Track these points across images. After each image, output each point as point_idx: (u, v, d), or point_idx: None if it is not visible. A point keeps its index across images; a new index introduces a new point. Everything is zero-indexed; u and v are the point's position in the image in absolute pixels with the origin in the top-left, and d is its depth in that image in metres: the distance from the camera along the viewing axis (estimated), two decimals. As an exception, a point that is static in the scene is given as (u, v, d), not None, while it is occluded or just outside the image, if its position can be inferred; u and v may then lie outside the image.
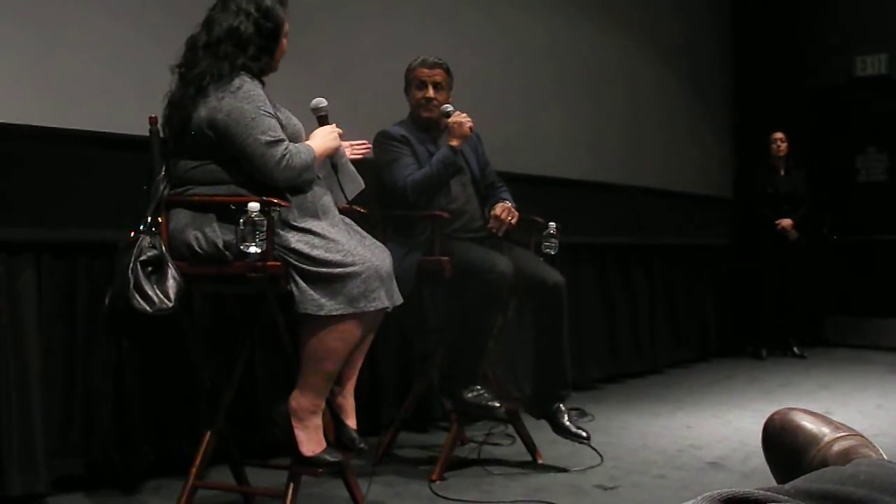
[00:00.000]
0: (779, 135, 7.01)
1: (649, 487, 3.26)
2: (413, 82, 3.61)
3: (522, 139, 5.19)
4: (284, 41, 2.79)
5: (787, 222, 6.88)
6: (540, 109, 5.47)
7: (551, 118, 5.57)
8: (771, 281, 6.98)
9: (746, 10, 7.72)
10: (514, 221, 3.57)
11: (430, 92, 3.58)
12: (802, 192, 7.02)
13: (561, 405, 3.56)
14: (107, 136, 3.26)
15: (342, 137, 2.86)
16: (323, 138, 2.79)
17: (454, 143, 3.46)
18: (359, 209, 3.01)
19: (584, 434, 3.54)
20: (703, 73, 7.36)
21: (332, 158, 2.82)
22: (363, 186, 2.98)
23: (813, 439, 1.34)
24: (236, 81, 2.62)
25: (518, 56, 5.32)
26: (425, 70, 3.58)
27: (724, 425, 4.36)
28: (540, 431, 3.67)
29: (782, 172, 7.03)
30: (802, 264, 7.05)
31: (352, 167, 2.92)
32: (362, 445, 2.75)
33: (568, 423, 3.55)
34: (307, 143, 2.74)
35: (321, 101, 2.87)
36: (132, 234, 2.54)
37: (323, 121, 2.85)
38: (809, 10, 7.69)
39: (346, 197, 2.87)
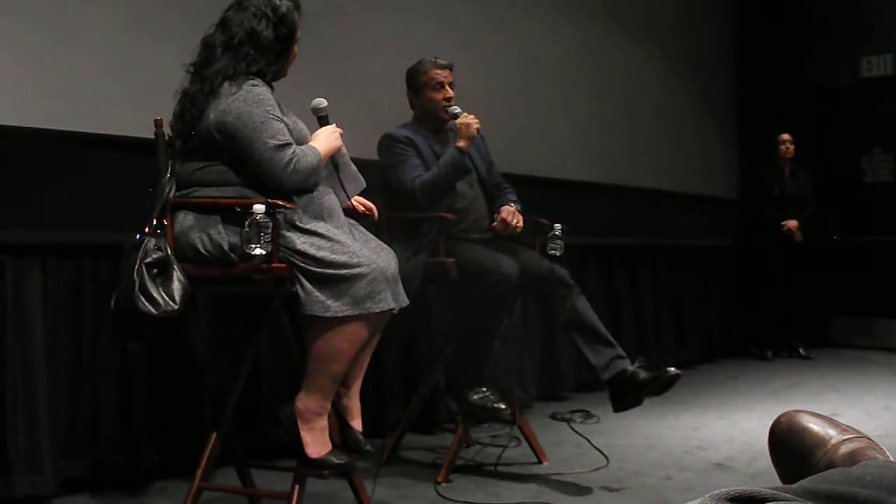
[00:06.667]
0: (786, 136, 7.00)
1: (655, 489, 3.26)
2: (428, 84, 3.60)
3: (527, 141, 5.19)
4: (296, 48, 2.79)
5: (792, 224, 6.86)
6: (545, 111, 5.47)
7: (556, 120, 5.57)
8: (776, 282, 6.97)
9: (751, 11, 7.71)
10: (519, 225, 3.57)
11: (450, 92, 3.58)
12: (807, 194, 7.02)
13: (628, 369, 3.34)
14: (112, 138, 3.27)
15: (343, 137, 2.86)
16: (325, 139, 2.79)
17: (461, 144, 3.47)
18: (372, 208, 3.04)
19: (672, 371, 3.24)
20: (707, 74, 7.35)
21: (334, 158, 2.82)
22: (364, 185, 2.99)
23: (819, 441, 1.34)
24: (246, 86, 2.63)
25: (523, 58, 5.32)
26: (439, 71, 3.58)
27: (730, 426, 4.35)
28: (546, 433, 3.67)
29: (788, 173, 7.03)
30: (808, 266, 7.04)
31: (353, 166, 2.92)
32: (368, 447, 2.75)
33: (646, 375, 3.29)
34: (311, 144, 2.74)
35: (321, 102, 2.87)
36: (137, 236, 2.54)
37: (323, 121, 2.86)
38: (814, 10, 7.68)
39: (347, 196, 2.88)
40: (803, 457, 1.34)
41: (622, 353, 3.41)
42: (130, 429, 3.30)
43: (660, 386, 3.27)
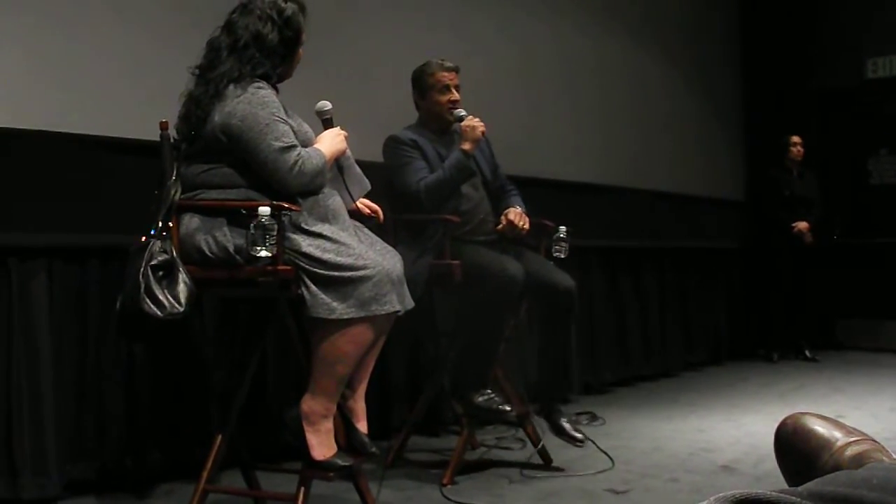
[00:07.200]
0: (797, 138, 6.98)
1: (661, 491, 3.25)
2: (434, 87, 3.60)
3: (532, 143, 5.19)
4: (301, 50, 2.80)
5: (803, 225, 6.86)
6: (549, 113, 5.47)
7: (561, 122, 5.57)
8: (786, 284, 6.95)
9: (756, 11, 7.70)
10: (526, 227, 3.57)
11: (456, 95, 3.59)
12: (815, 195, 7.01)
13: (559, 406, 3.58)
14: (118, 140, 3.28)
15: (347, 139, 2.87)
16: (330, 141, 2.79)
17: (467, 146, 3.47)
18: (377, 210, 3.04)
19: (579, 437, 3.54)
20: (712, 75, 7.34)
21: (338, 160, 2.82)
22: (369, 188, 3.00)
23: (825, 444, 1.33)
24: (251, 88, 2.63)
25: (527, 60, 5.32)
26: (446, 74, 3.59)
27: (736, 429, 4.34)
28: (551, 436, 3.66)
29: (795, 175, 7.02)
30: (815, 267, 7.03)
31: (357, 169, 2.93)
32: (373, 449, 2.75)
33: (565, 424, 3.55)
34: (316, 146, 2.74)
35: (326, 105, 2.87)
36: (143, 238, 2.54)
37: (328, 124, 2.86)
38: (819, 11, 7.67)
39: (351, 198, 2.88)
40: (809, 459, 1.34)
41: (568, 383, 3.78)
42: (136, 431, 3.31)
43: (567, 442, 3.58)
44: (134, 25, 3.38)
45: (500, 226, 3.59)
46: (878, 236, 7.51)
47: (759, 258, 7.25)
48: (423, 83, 3.63)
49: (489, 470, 3.58)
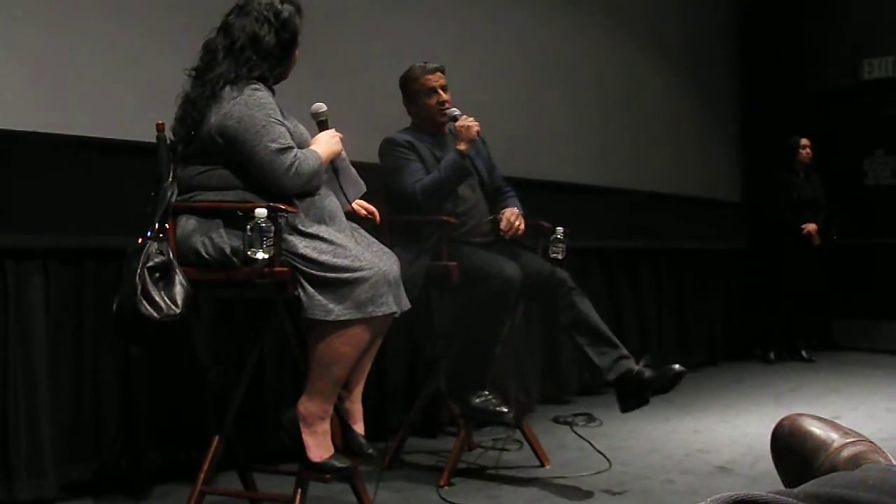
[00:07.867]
0: (805, 140, 6.98)
1: (657, 492, 3.26)
2: (421, 91, 3.60)
3: (529, 144, 5.20)
4: (297, 52, 2.80)
5: (812, 227, 6.86)
6: (547, 114, 5.47)
7: (558, 123, 5.57)
8: (790, 285, 6.95)
9: (752, 13, 7.71)
10: (521, 227, 3.57)
11: (444, 95, 3.58)
12: (821, 197, 7.02)
13: (633, 368, 3.34)
14: (114, 142, 3.28)
15: (342, 141, 2.87)
16: (326, 143, 2.79)
17: (462, 147, 3.47)
18: (373, 212, 3.04)
19: (677, 367, 3.24)
20: (709, 76, 7.35)
21: (334, 162, 2.82)
22: (365, 189, 3.00)
23: (822, 445, 1.34)
24: (248, 90, 2.63)
25: (524, 61, 5.32)
26: (430, 76, 3.59)
27: (732, 429, 4.35)
28: (548, 436, 3.67)
29: (802, 177, 7.02)
30: (821, 268, 7.03)
31: (353, 170, 2.93)
32: (370, 451, 2.75)
33: (651, 374, 3.29)
34: (312, 148, 2.74)
35: (321, 107, 2.87)
36: (140, 240, 2.54)
37: (323, 126, 2.86)
38: (816, 12, 7.68)
39: (347, 200, 2.88)
40: (805, 460, 1.34)
41: (626, 352, 3.40)
42: (133, 432, 3.30)
43: (665, 383, 3.26)
44: (131, 27, 3.38)
45: (498, 227, 3.59)
46: (873, 237, 7.52)
47: (764, 259, 7.24)
48: (409, 89, 3.63)
49: (486, 471, 3.58)
